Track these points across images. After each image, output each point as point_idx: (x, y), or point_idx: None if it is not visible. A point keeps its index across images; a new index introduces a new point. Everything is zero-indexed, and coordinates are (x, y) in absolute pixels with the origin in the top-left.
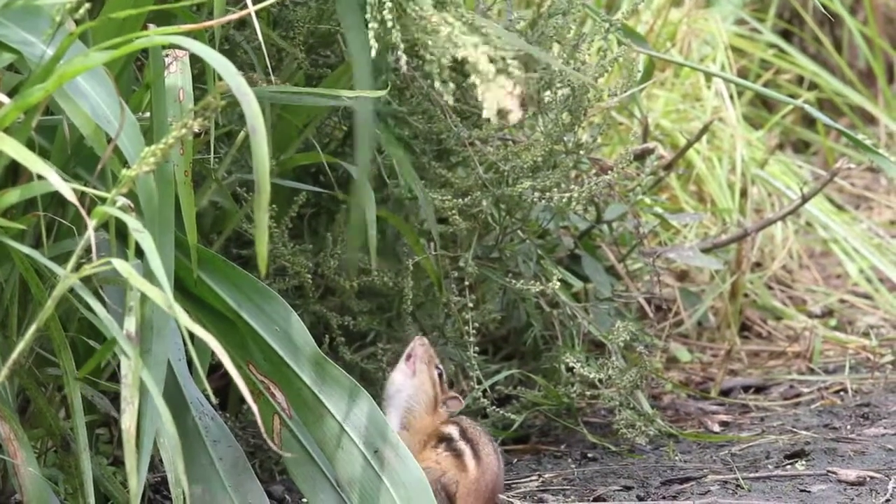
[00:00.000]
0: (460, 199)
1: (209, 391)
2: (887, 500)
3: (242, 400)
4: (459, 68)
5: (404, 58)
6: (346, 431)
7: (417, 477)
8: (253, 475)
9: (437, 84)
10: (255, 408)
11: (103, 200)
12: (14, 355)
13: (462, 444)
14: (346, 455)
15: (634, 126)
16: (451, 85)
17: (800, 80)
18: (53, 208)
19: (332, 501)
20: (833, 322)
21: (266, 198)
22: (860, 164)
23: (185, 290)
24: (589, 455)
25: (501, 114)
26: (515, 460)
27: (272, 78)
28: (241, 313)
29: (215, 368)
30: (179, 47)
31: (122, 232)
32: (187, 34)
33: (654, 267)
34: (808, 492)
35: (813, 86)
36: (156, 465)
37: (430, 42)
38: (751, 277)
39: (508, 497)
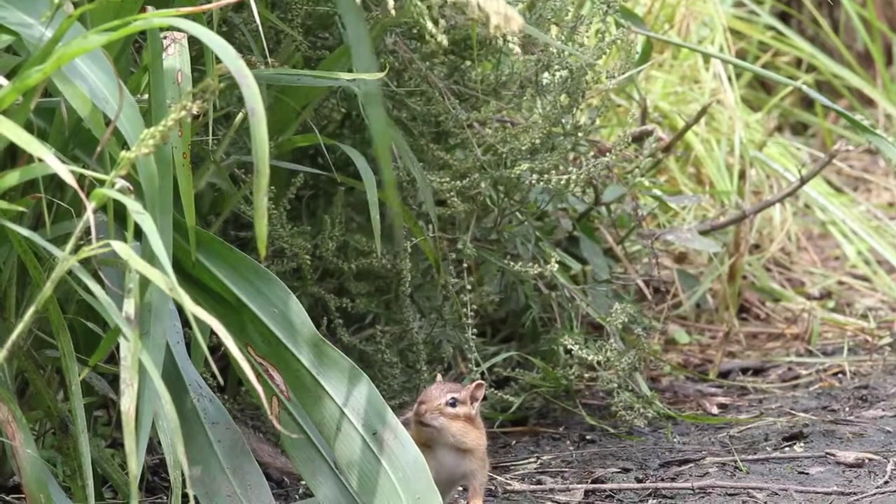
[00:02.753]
0: (458, 182)
1: (215, 370)
2: (886, 482)
3: (240, 382)
4: (457, 50)
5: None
6: (344, 414)
7: (416, 458)
8: (251, 457)
9: (429, 25)
10: (259, 388)
11: (102, 182)
12: (13, 337)
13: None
14: (345, 437)
15: (633, 108)
16: (443, 22)
17: (798, 63)
18: (52, 191)
19: (331, 483)
20: (831, 304)
21: (265, 181)
22: (858, 147)
23: (182, 272)
24: (587, 437)
25: (505, 20)
26: (514, 442)
27: (270, 60)
28: (239, 296)
29: (213, 351)
30: (178, 29)
31: (119, 214)
32: (186, 16)
33: (653, 249)
34: (807, 474)
35: (811, 68)
36: (154, 447)
37: None
38: (749, 259)
39: (507, 479)
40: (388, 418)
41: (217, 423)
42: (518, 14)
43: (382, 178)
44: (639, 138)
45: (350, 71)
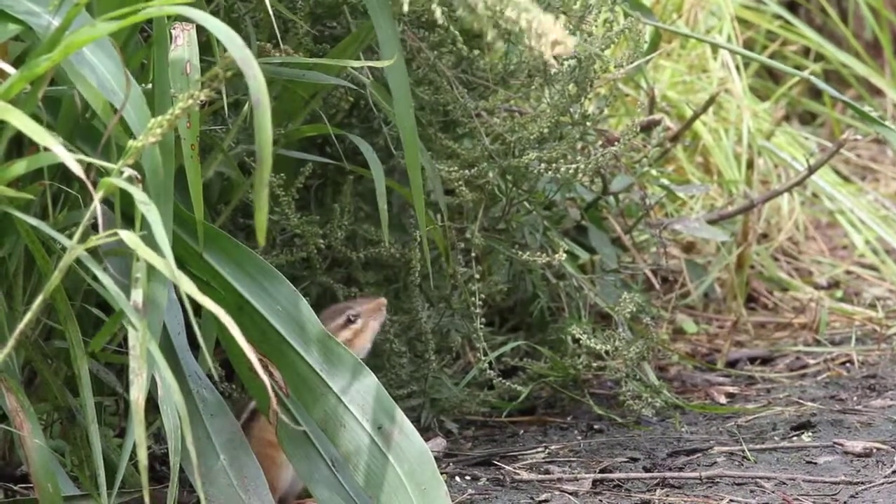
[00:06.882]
0: (467, 171)
1: (210, 362)
2: (894, 472)
3: (230, 376)
4: (466, 39)
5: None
6: (349, 410)
7: (421, 450)
8: (248, 450)
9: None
10: (266, 379)
11: (108, 172)
12: (21, 326)
13: None
14: (350, 433)
15: (641, 97)
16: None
17: (806, 52)
18: (58, 181)
19: (329, 482)
20: (839, 293)
21: (267, 171)
22: (866, 136)
23: (183, 268)
24: (595, 426)
25: (553, 44)
26: (522, 431)
27: (284, 47)
28: (242, 293)
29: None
30: (186, 19)
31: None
32: (193, 5)
33: (661, 238)
34: (815, 463)
35: (819, 57)
36: (162, 437)
37: None
38: (757, 249)
39: (514, 468)
40: (396, 415)
41: (215, 416)
42: (570, 38)
43: (406, 156)
44: (647, 128)
45: (359, 59)
